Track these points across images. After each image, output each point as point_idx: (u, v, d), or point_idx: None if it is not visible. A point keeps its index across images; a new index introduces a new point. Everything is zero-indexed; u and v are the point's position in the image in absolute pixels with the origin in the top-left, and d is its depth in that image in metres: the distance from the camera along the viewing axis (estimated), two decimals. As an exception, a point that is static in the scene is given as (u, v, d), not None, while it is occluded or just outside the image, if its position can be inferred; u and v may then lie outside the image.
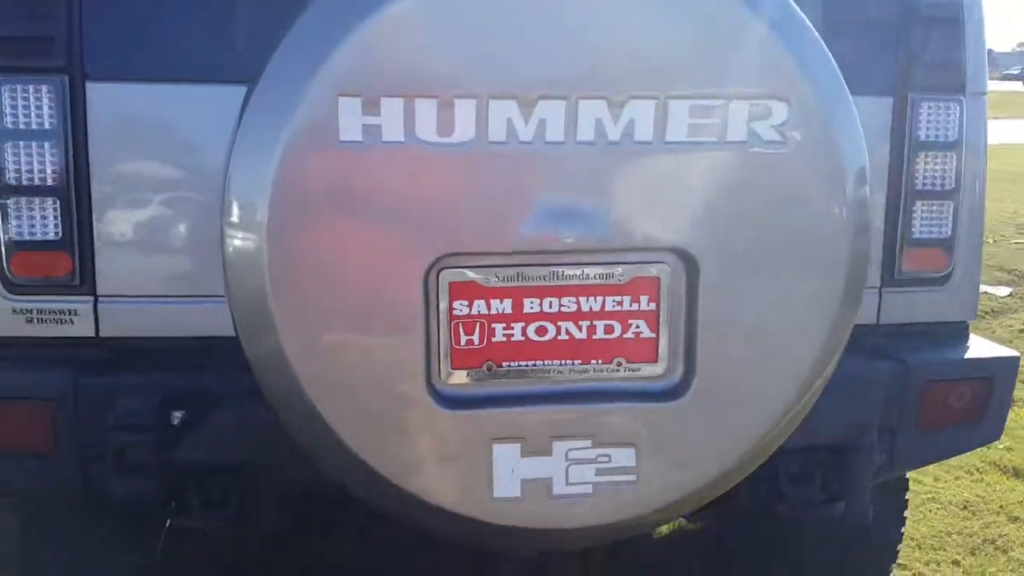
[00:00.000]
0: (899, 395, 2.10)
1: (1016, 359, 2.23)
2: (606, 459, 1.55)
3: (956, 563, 3.24)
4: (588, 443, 1.54)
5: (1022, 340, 5.95)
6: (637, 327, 1.55)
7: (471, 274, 1.49)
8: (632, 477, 1.56)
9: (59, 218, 1.81)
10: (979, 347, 2.22)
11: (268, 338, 1.47)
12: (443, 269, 1.47)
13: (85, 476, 1.84)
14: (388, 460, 1.52)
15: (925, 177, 2.13)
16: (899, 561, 3.19)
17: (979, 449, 4.12)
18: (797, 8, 1.50)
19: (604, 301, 1.54)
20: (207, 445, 1.82)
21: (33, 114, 1.77)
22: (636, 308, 1.54)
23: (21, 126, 1.76)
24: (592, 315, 1.54)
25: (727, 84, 1.45)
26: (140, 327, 1.89)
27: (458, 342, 1.52)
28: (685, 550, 3.32)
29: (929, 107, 2.10)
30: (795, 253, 1.53)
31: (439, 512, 1.55)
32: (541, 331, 1.54)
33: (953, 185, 2.14)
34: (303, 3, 1.43)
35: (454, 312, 1.51)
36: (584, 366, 1.56)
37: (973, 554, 3.30)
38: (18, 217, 1.79)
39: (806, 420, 1.90)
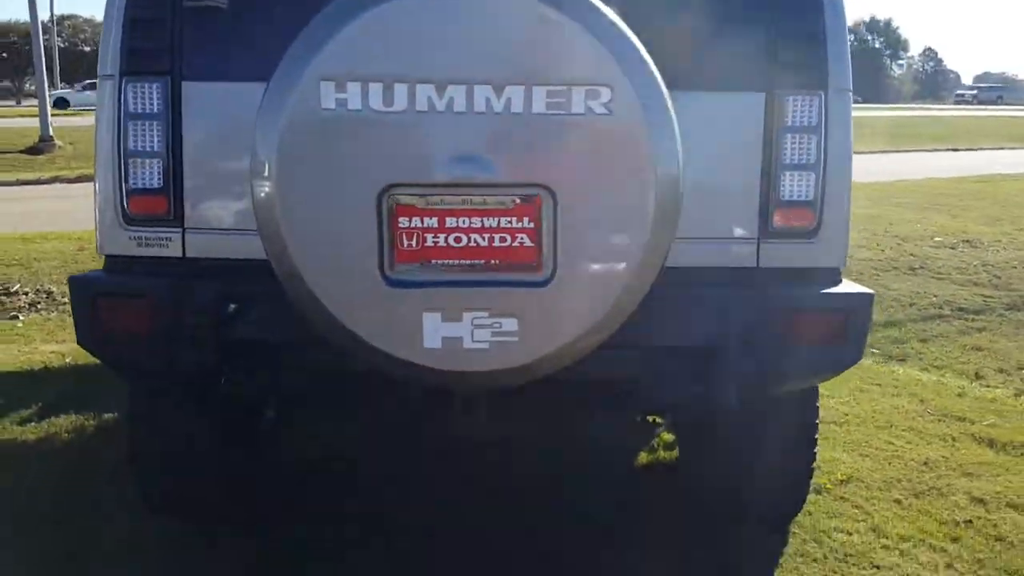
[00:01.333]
0: (767, 319, 2.76)
1: (869, 295, 2.86)
2: (499, 325, 2.31)
3: (897, 502, 3.80)
4: (486, 314, 2.31)
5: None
6: (522, 238, 2.31)
7: (410, 199, 2.29)
8: (516, 338, 2.31)
9: (161, 173, 2.72)
10: (841, 287, 2.86)
11: (279, 244, 2.30)
12: (390, 195, 2.27)
13: (169, 351, 2.71)
14: (357, 321, 2.33)
15: (791, 153, 2.80)
16: (842, 495, 3.80)
17: (958, 422, 4.66)
18: (624, 26, 2.25)
19: (499, 220, 2.31)
20: (251, 327, 2.67)
21: (146, 103, 2.68)
22: (521, 225, 2.31)
23: (139, 110, 2.68)
24: (492, 230, 2.31)
25: (571, 76, 2.22)
26: (211, 251, 2.76)
27: (402, 245, 2.31)
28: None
29: (794, 100, 2.78)
30: (620, 189, 2.27)
31: (389, 357, 2.34)
32: (458, 240, 2.32)
33: (814, 159, 2.81)
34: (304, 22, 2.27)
35: (399, 225, 2.30)
36: (486, 263, 2.32)
37: (916, 497, 3.84)
38: (134, 172, 2.70)
39: (688, 325, 2.63)
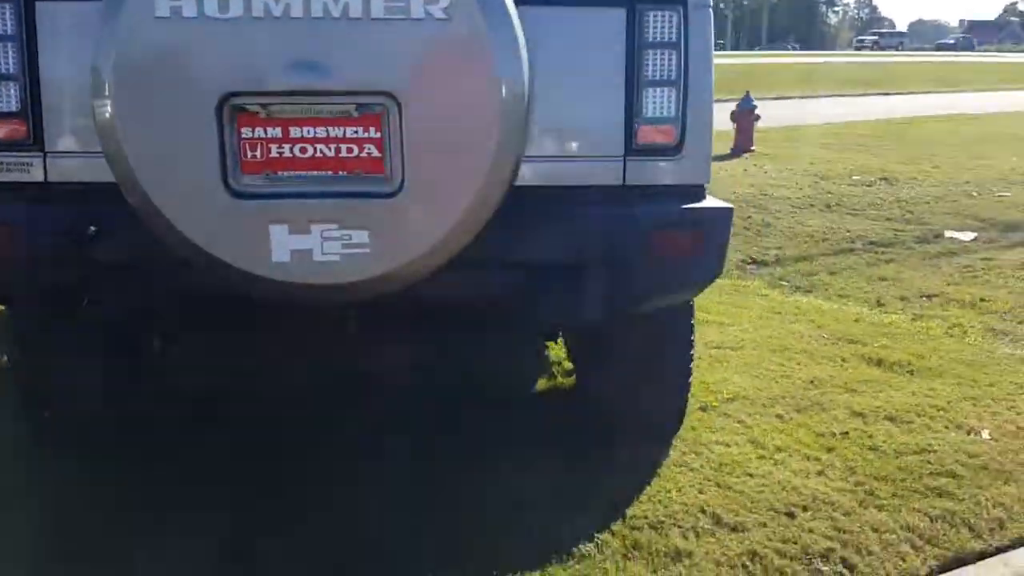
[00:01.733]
0: (629, 235, 2.81)
1: (728, 210, 2.92)
2: (348, 237, 2.32)
3: (779, 417, 3.91)
4: (336, 226, 2.31)
5: (967, 278, 6.50)
6: (369, 149, 2.31)
7: (252, 108, 2.27)
8: (367, 250, 2.32)
9: (19, 97, 2.66)
10: (702, 202, 2.91)
11: (122, 161, 2.27)
12: (231, 104, 2.25)
13: (33, 275, 2.67)
14: (205, 236, 2.32)
15: (653, 69, 2.83)
16: (726, 412, 3.90)
17: (850, 344, 4.79)
18: None
19: (345, 130, 2.30)
20: (113, 249, 2.65)
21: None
22: (367, 135, 2.31)
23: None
24: (338, 140, 2.31)
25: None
26: (73, 174, 2.71)
27: (246, 156, 2.30)
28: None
29: (654, 15, 2.79)
30: (463, 98, 2.28)
31: (239, 272, 2.34)
32: (303, 150, 2.31)
33: (675, 76, 2.84)
34: None
35: (242, 135, 2.29)
36: (333, 175, 2.32)
37: (798, 412, 3.96)
38: None
39: (553, 243, 2.66)
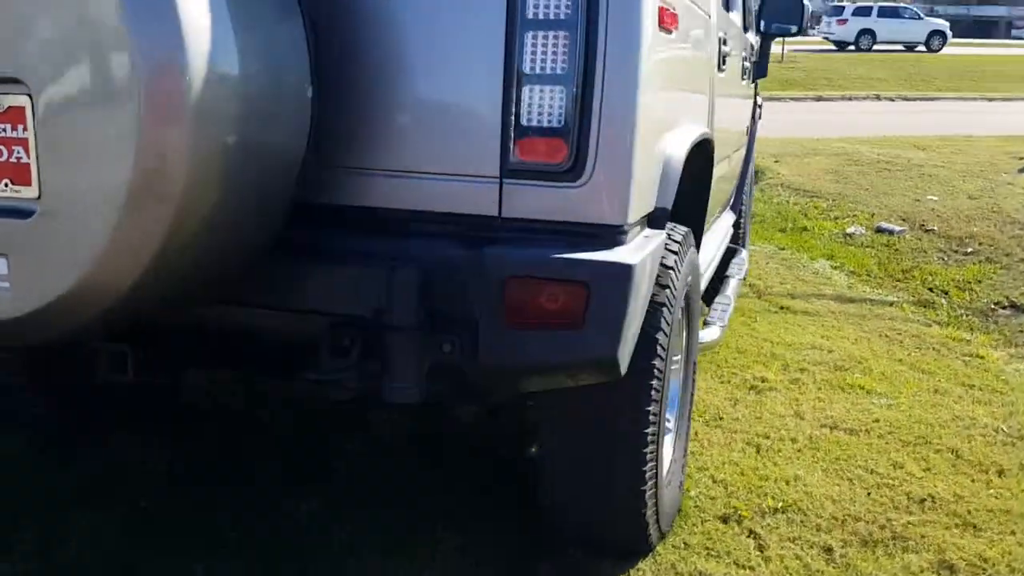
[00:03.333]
0: (479, 286, 2.00)
1: (625, 267, 1.98)
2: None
3: (827, 551, 2.80)
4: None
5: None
6: (18, 152, 1.74)
7: None
8: (7, 284, 1.76)
9: None
10: (595, 251, 2.01)
11: None
12: None
13: None
14: None
15: (535, 58, 1.98)
16: (752, 529, 2.92)
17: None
18: None
19: (-12, 127, 1.74)
20: None
21: None
22: (15, 135, 1.73)
23: None
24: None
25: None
26: None
27: None
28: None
29: None
30: (106, 91, 1.63)
31: None
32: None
33: (567, 68, 1.97)
34: None
35: None
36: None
37: (862, 546, 2.82)
38: None
39: (343, 287, 1.97)
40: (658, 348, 2.34)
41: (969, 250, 6.87)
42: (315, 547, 2.64)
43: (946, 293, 6.00)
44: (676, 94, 2.49)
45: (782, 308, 5.40)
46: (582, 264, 1.97)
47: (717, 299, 4.23)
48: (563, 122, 1.98)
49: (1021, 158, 10.07)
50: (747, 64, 4.41)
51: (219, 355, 2.45)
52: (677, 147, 2.40)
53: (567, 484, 2.53)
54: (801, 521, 2.92)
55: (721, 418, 3.69)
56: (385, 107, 2.07)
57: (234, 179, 1.77)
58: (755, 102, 5.52)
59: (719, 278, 4.66)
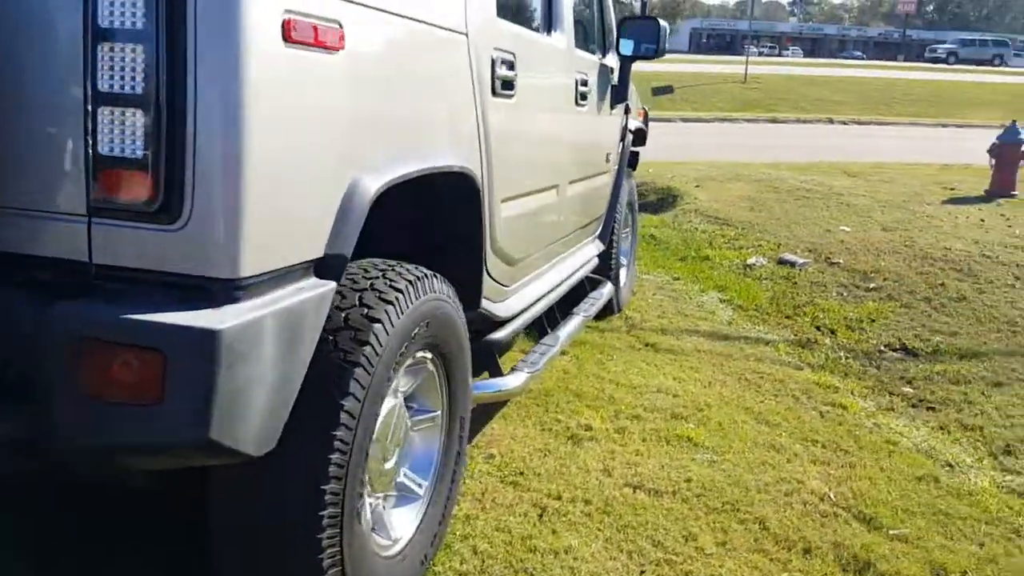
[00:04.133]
0: (49, 348, 1.64)
1: (207, 333, 1.61)
2: None
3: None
4: None
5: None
6: None
7: None
8: None
9: None
10: (186, 310, 1.65)
11: None
12: None
13: None
14: None
15: (109, 73, 1.62)
16: None
17: (843, 522, 3.15)
18: None
19: None
20: None
21: None
22: None
23: None
24: None
25: None
26: None
27: None
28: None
29: None
30: None
31: None
32: None
33: (145, 86, 1.61)
34: None
35: None
36: None
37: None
38: None
39: None
40: (341, 417, 1.98)
41: (872, 285, 6.55)
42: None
43: (833, 332, 5.68)
44: (353, 123, 2.06)
45: (647, 345, 5.05)
46: (154, 328, 1.60)
47: (543, 340, 3.88)
48: (144, 152, 1.63)
49: (951, 188, 9.83)
50: (589, 88, 4.06)
51: None
52: (362, 185, 2.04)
53: (237, 565, 2.16)
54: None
55: (522, 473, 3.32)
56: None
57: None
58: (624, 125, 5.18)
59: (565, 314, 4.32)
